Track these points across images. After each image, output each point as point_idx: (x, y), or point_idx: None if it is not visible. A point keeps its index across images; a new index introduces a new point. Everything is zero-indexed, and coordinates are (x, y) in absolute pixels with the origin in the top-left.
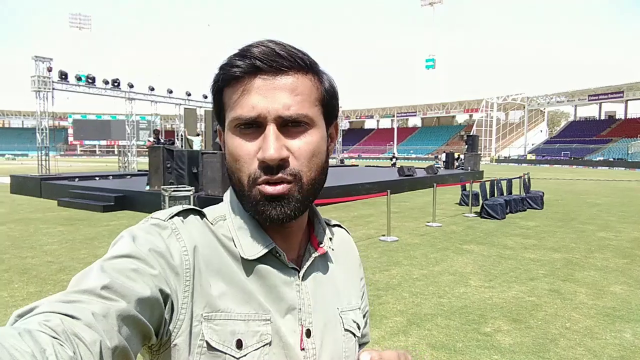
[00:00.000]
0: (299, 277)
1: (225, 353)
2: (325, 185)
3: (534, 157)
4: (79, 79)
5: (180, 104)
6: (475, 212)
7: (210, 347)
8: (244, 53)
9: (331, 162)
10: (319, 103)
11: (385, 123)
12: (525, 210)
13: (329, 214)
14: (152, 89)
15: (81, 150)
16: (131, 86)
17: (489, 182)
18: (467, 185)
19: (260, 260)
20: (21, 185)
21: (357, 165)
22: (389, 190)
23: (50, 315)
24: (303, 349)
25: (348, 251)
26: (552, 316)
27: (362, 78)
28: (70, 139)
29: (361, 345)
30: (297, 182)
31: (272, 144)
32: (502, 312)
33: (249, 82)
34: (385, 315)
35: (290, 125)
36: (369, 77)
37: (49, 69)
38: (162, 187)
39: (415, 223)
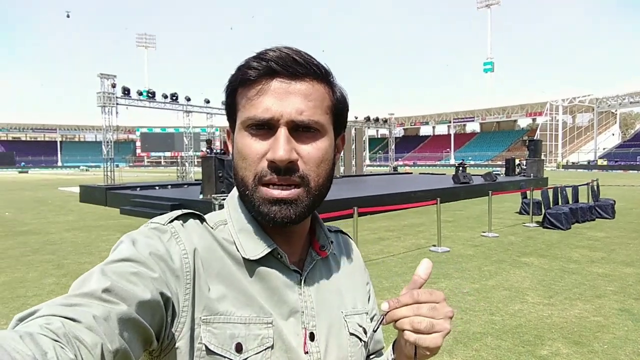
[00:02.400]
0: (301, 280)
1: (225, 357)
2: (376, 193)
3: (605, 163)
4: (140, 93)
5: None
6: (537, 222)
7: (209, 351)
8: (261, 56)
9: (384, 169)
10: (330, 111)
11: (441, 129)
12: (593, 219)
13: (378, 223)
14: (208, 102)
15: (148, 162)
16: (188, 99)
17: (552, 189)
18: (528, 192)
19: (262, 262)
20: (89, 194)
21: (411, 173)
22: (438, 198)
23: (51, 319)
24: (307, 352)
25: (351, 256)
26: (621, 340)
27: (417, 83)
28: (138, 151)
29: (376, 352)
30: (305, 186)
31: (282, 145)
32: (562, 332)
33: (265, 84)
34: None
35: (301, 130)
36: (424, 83)
37: (113, 85)
38: (213, 195)
39: (469, 233)
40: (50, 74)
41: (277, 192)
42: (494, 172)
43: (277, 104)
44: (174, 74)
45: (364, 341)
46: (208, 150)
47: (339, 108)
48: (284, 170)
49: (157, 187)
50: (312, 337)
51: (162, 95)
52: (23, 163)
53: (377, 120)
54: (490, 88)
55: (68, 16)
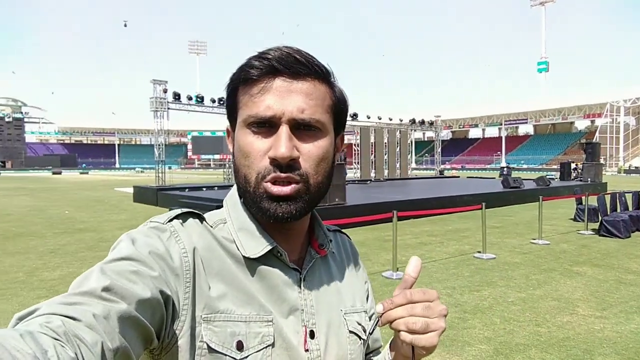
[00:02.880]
0: (300, 279)
1: (226, 355)
2: (420, 196)
3: None
4: (189, 98)
5: None
6: (593, 229)
7: (210, 349)
8: (263, 55)
9: (430, 173)
10: (330, 111)
11: (491, 132)
12: None
13: (421, 227)
14: None
15: (198, 164)
16: None
17: (609, 195)
18: (584, 198)
19: (262, 260)
20: (141, 194)
21: (458, 177)
22: (483, 203)
23: (51, 317)
24: (307, 350)
25: (349, 255)
26: None
27: (465, 84)
28: (189, 153)
29: (373, 351)
30: (305, 183)
31: (284, 142)
32: (615, 348)
33: (267, 83)
34: (469, 342)
35: (302, 129)
36: (473, 83)
37: (165, 91)
38: None
39: (518, 240)
40: (111, 79)
41: (276, 189)
42: (548, 177)
43: (279, 102)
44: (224, 78)
45: (363, 339)
46: None
47: (339, 108)
48: (285, 168)
49: (204, 189)
50: (312, 335)
51: (211, 100)
52: (84, 164)
53: (422, 122)
54: (545, 88)
55: (125, 25)
